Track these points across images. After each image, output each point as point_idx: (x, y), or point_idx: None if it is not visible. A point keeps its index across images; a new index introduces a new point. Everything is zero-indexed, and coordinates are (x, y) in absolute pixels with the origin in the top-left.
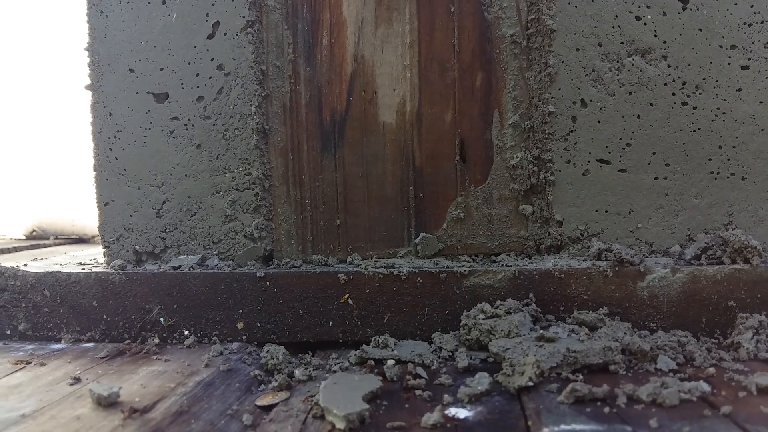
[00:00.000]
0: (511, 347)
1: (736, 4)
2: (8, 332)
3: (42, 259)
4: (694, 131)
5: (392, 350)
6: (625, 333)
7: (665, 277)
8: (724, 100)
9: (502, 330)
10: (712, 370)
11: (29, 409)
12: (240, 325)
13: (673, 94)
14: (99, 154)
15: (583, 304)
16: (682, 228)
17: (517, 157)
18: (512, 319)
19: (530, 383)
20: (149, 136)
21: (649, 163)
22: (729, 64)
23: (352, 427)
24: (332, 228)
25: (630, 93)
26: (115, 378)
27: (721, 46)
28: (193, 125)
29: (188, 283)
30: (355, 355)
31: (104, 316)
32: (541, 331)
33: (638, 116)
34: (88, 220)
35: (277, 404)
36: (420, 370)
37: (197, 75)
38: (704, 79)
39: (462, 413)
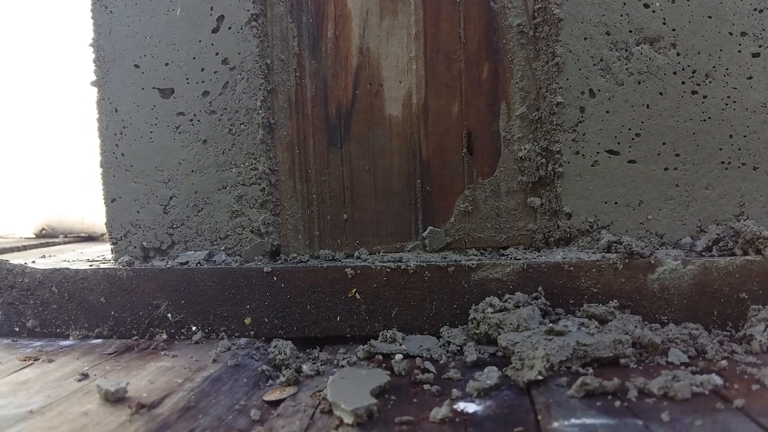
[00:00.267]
0: (520, 341)
1: None
2: (17, 329)
3: (50, 256)
4: (705, 120)
5: (400, 345)
6: (635, 326)
7: (676, 269)
8: (735, 88)
9: (510, 324)
10: (724, 363)
11: (37, 405)
12: (247, 321)
13: (683, 82)
14: (105, 150)
15: (593, 297)
16: (692, 219)
17: (525, 149)
18: (521, 313)
19: (540, 377)
20: (155, 131)
21: (658, 154)
22: (739, 51)
23: (360, 421)
24: (339, 222)
25: (639, 82)
26: (122, 374)
27: (731, 33)
28: (198, 120)
29: (195, 279)
30: (362, 349)
31: (112, 313)
32: (551, 325)
33: (647, 106)
34: (97, 217)
35: (284, 399)
36: (428, 365)
37: (202, 70)
38: (714, 67)
39: (471, 407)
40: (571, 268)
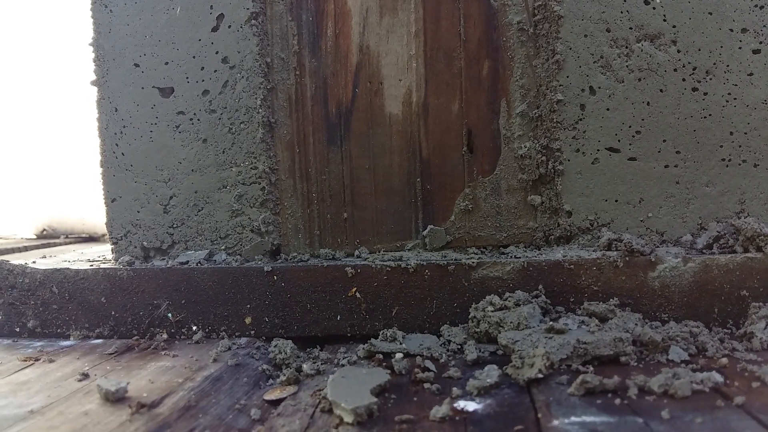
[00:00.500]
0: (521, 339)
1: None
2: (17, 329)
3: (51, 256)
4: (705, 117)
5: (400, 343)
6: (636, 324)
7: (676, 267)
8: (735, 85)
9: (511, 322)
10: (724, 360)
11: (37, 405)
12: (248, 320)
13: (684, 79)
14: (105, 150)
15: (594, 295)
16: (693, 217)
17: (525, 147)
18: (521, 311)
19: (540, 375)
20: (155, 131)
21: (659, 151)
22: (740, 48)
23: (360, 420)
24: (339, 221)
25: (639, 79)
26: (123, 374)
27: (731, 30)
28: (198, 119)
29: (196, 279)
30: (363, 348)
31: (112, 313)
32: (551, 323)
33: (648, 103)
34: (98, 218)
35: (285, 398)
36: (428, 363)
37: (202, 68)
38: (715, 63)
39: (471, 406)
40: (572, 266)
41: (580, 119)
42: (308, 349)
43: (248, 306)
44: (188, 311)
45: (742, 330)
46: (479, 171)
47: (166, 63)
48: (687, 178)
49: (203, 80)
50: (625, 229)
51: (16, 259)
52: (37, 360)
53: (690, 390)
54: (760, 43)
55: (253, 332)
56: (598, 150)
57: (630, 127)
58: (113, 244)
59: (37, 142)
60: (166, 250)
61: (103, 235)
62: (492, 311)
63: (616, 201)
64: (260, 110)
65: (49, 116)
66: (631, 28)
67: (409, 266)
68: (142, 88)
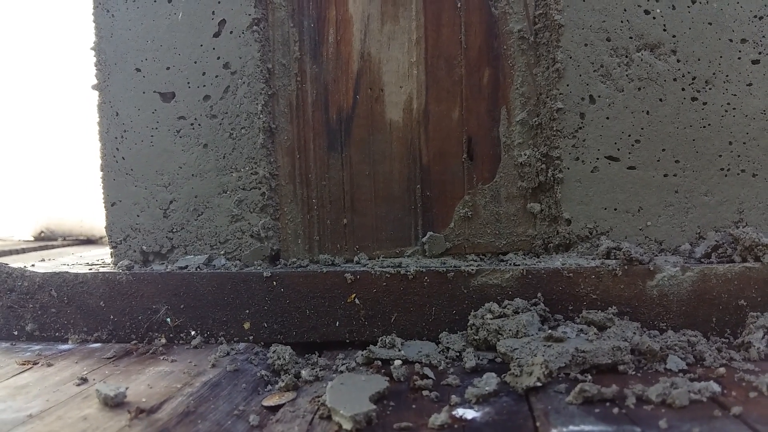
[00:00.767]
0: (519, 347)
1: None
2: (16, 333)
3: (50, 259)
4: (704, 127)
5: (399, 350)
6: (634, 333)
7: (675, 276)
8: (735, 95)
9: (510, 330)
10: (722, 370)
11: (36, 410)
12: (247, 326)
13: (683, 89)
14: (106, 154)
15: (592, 304)
16: (692, 226)
17: (525, 155)
18: (520, 319)
19: (538, 384)
20: (156, 135)
21: (658, 160)
22: (739, 58)
23: (359, 427)
24: (339, 227)
25: (639, 88)
26: (121, 378)
27: (731, 40)
28: (199, 124)
29: (195, 283)
30: (362, 355)
31: (111, 317)
32: (550, 331)
33: (647, 112)
34: (96, 221)
35: (283, 405)
36: (427, 371)
37: (203, 74)
38: (714, 73)
39: (469, 414)
40: (571, 275)
41: (580, 128)
42: (307, 355)
43: (247, 311)
44: (187, 316)
45: (740, 339)
46: (479, 178)
47: (168, 68)
48: (686, 187)
49: (204, 85)
50: (624, 237)
51: (13, 262)
52: (35, 364)
53: (688, 400)
54: (759, 53)
55: (251, 338)
56: (597, 158)
57: (629, 136)
58: (112, 248)
59: (35, 144)
60: (166, 255)
61: (101, 238)
62: (491, 319)
63: (615, 209)
64: (261, 116)
65: (47, 118)
66: (631, 38)
67: (408, 273)
68: (144, 92)
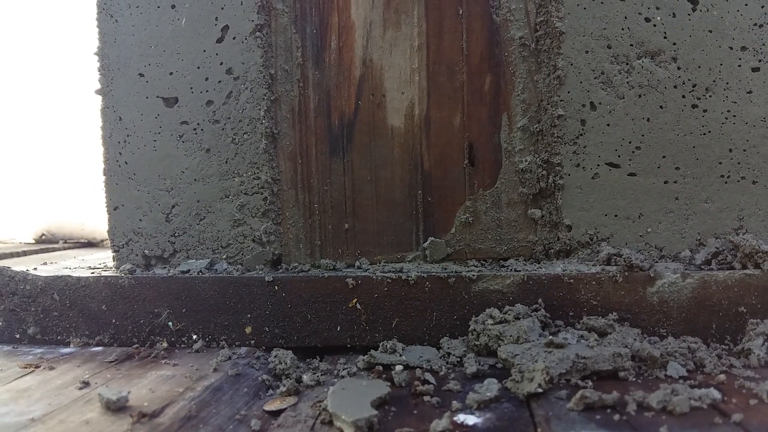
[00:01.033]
0: (520, 353)
1: (746, 5)
2: (17, 336)
3: (51, 263)
4: (704, 134)
5: (400, 355)
6: (634, 339)
7: (675, 283)
8: (735, 102)
9: (510, 336)
10: (722, 377)
11: (38, 413)
12: (248, 330)
13: (683, 96)
14: (109, 158)
15: (593, 310)
16: (692, 232)
17: (526, 161)
18: (521, 325)
19: (539, 390)
20: (159, 140)
21: (658, 167)
22: (739, 65)
23: None
24: (340, 232)
25: (639, 96)
26: (123, 382)
27: (731, 48)
28: (202, 129)
29: (197, 288)
30: (363, 360)
31: (113, 320)
32: (551, 337)
33: (648, 119)
34: (98, 223)
35: (285, 409)
36: (428, 376)
37: (206, 79)
38: (714, 81)
39: (471, 420)
40: (571, 281)
41: (581, 134)
42: (308, 360)
43: (249, 315)
44: (189, 320)
45: (740, 346)
46: (480, 184)
47: (171, 73)
48: (686, 194)
49: (207, 91)
50: (625, 244)
51: (15, 264)
52: (37, 367)
53: (688, 407)
54: (759, 61)
55: (253, 342)
56: (598, 165)
57: (630, 142)
58: (115, 251)
59: (37, 147)
60: (168, 259)
61: (102, 241)
62: (492, 324)
63: (616, 216)
64: (263, 121)
65: (50, 121)
66: (631, 45)
67: (409, 278)
68: (147, 97)
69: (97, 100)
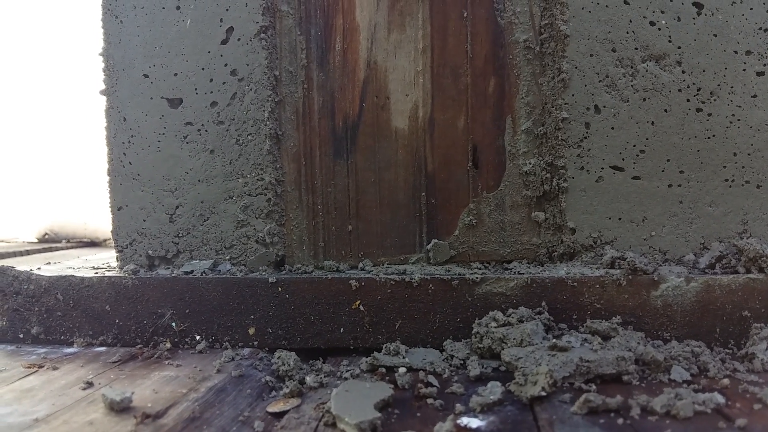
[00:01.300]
0: (524, 356)
1: (751, 9)
2: (21, 335)
3: (55, 262)
4: (709, 138)
5: (403, 357)
6: (638, 343)
7: (679, 286)
8: (739, 106)
9: (514, 338)
10: (726, 381)
11: (42, 414)
12: (251, 331)
13: (688, 100)
14: (113, 158)
15: (596, 313)
16: (696, 236)
17: (530, 164)
18: (524, 328)
19: (543, 393)
20: (163, 141)
21: (663, 171)
22: (744, 70)
23: None
24: (344, 234)
25: (644, 99)
26: (127, 383)
27: (736, 52)
28: (206, 130)
29: (200, 288)
30: (366, 362)
31: (117, 321)
32: (554, 340)
33: (652, 123)
34: (100, 223)
35: (288, 411)
36: (431, 378)
37: (211, 80)
38: (719, 85)
39: (474, 423)
40: (575, 284)
41: (585, 137)
42: (311, 361)
43: (252, 316)
44: (192, 321)
45: (744, 351)
46: (484, 186)
47: (176, 74)
48: (690, 197)
49: (212, 92)
50: (628, 247)
51: (18, 264)
52: (41, 367)
53: (692, 411)
54: (765, 65)
55: (256, 343)
56: (602, 168)
57: (634, 146)
58: (118, 252)
59: (41, 146)
60: (171, 260)
61: (105, 240)
62: (495, 327)
63: (620, 219)
64: (268, 122)
65: (53, 120)
66: (636, 49)
67: (413, 280)
68: (151, 98)
69: (102, 101)
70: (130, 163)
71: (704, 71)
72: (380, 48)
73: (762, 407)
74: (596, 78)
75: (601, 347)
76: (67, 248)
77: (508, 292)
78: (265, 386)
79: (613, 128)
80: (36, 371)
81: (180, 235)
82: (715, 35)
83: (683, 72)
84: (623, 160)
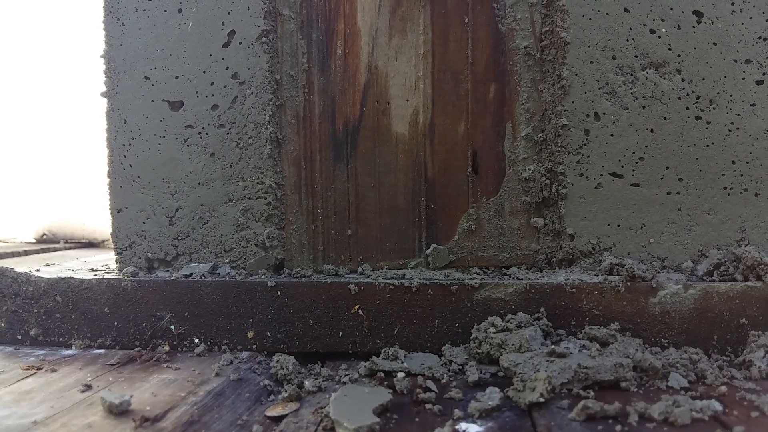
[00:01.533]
0: (522, 362)
1: (751, 18)
2: (19, 337)
3: (54, 264)
4: (708, 146)
5: (402, 362)
6: (636, 349)
7: (677, 293)
8: (738, 114)
9: (512, 344)
10: (723, 388)
11: (41, 416)
12: (250, 334)
13: (687, 108)
14: (113, 161)
15: (595, 319)
16: (694, 243)
17: (530, 170)
18: (523, 334)
19: (541, 399)
20: (163, 143)
21: (662, 178)
22: (743, 78)
23: None
24: (343, 238)
25: (644, 107)
26: (125, 385)
27: (735, 61)
28: (207, 133)
29: (199, 291)
30: (364, 366)
31: (115, 323)
32: (553, 346)
33: (652, 130)
34: (99, 224)
35: (287, 415)
36: (430, 383)
37: (212, 83)
38: (718, 93)
39: (472, 428)
40: (574, 290)
41: (585, 144)
42: (309, 365)
43: (251, 320)
44: (191, 324)
45: (741, 358)
46: (483, 192)
47: (177, 77)
48: (689, 205)
49: (213, 95)
50: (627, 254)
51: (16, 264)
52: (39, 369)
53: (690, 418)
54: (764, 74)
55: (254, 346)
56: (601, 175)
57: (633, 153)
58: (118, 254)
59: (40, 147)
60: (171, 262)
61: (103, 241)
62: (494, 333)
63: (619, 226)
64: (268, 126)
65: (52, 122)
66: (636, 56)
67: (412, 285)
68: (152, 101)
69: (103, 103)
70: (130, 165)
71: (704, 79)
72: (381, 53)
73: (759, 415)
74: (596, 85)
75: (599, 354)
76: (66, 249)
77: (507, 298)
78: (264, 390)
79: (612, 135)
80: (34, 373)
81: (179, 237)
82: (715, 44)
83: (683, 80)
84: (622, 167)
